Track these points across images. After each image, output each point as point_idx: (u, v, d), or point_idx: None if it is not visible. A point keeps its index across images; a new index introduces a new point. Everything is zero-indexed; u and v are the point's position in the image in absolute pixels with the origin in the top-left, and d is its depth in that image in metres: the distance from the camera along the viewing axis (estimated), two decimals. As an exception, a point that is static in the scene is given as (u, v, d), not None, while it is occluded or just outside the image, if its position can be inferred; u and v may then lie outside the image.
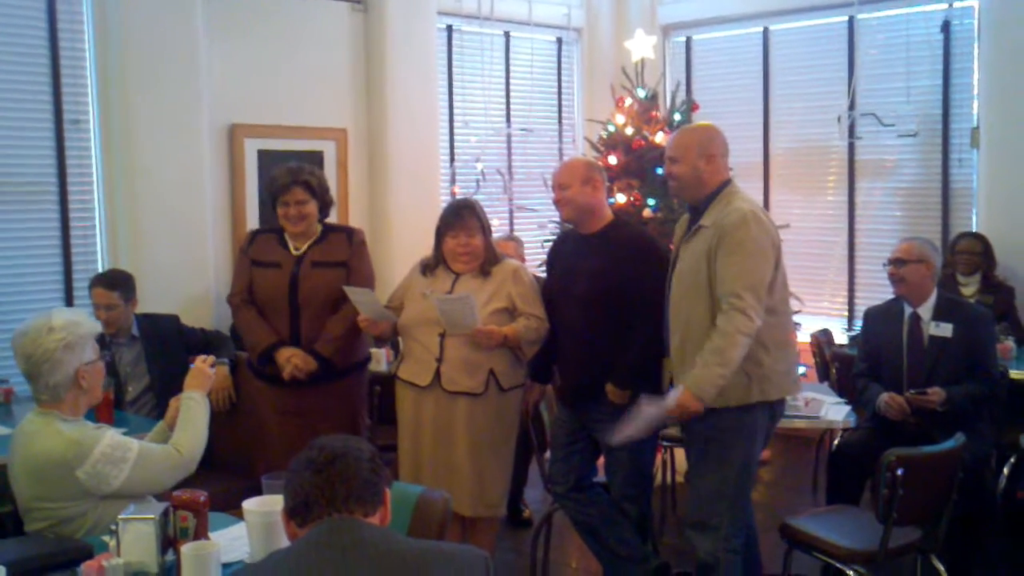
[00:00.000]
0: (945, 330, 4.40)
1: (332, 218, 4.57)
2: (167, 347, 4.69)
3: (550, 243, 4.88)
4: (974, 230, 6.15)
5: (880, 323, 4.64)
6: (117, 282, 4.65)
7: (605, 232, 4.01)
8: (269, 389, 4.30)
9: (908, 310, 4.52)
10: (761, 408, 3.60)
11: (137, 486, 2.80)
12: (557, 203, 4.08)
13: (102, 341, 3.09)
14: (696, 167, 3.65)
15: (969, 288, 5.72)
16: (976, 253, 5.76)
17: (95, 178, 5.32)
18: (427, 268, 4.21)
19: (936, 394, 4.27)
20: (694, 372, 3.48)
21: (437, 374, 4.03)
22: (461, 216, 4.10)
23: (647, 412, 3.55)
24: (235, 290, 4.38)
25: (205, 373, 3.18)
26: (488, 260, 4.11)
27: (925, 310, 4.48)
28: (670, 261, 3.82)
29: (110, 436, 2.85)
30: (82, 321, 2.96)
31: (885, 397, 4.38)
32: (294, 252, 4.28)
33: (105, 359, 3.11)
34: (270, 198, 4.32)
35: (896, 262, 4.49)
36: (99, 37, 5.24)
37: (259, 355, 4.25)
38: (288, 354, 4.18)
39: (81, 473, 2.77)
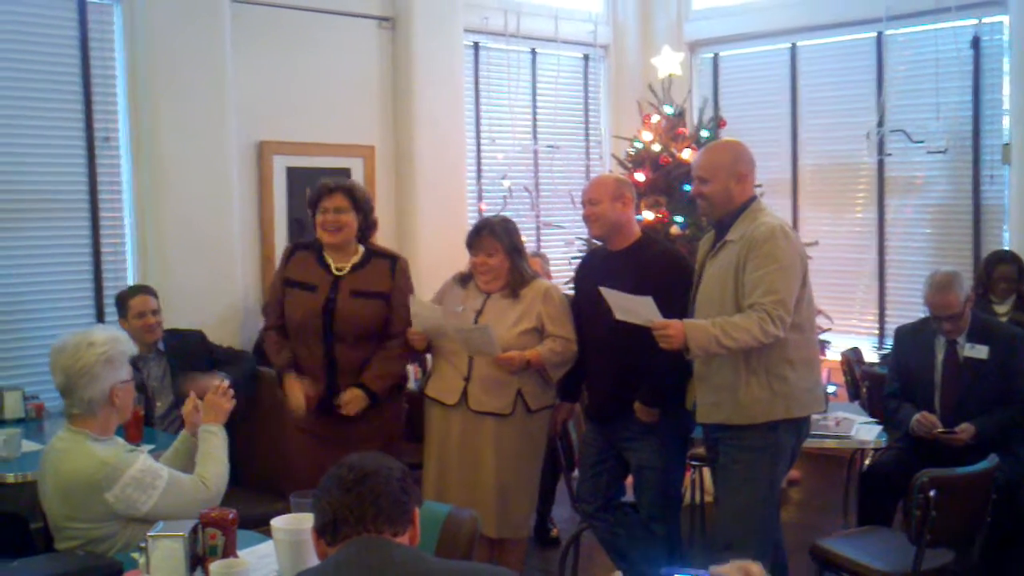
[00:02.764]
0: (981, 352, 4.35)
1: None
2: (193, 363, 4.70)
3: (577, 260, 4.87)
4: (1006, 247, 6.08)
5: (912, 342, 4.59)
6: (152, 290, 4.74)
7: (633, 249, 4.00)
8: (303, 419, 4.10)
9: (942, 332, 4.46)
10: (786, 426, 3.58)
11: (164, 514, 2.78)
12: (586, 219, 4.07)
13: (133, 362, 3.10)
14: (727, 187, 3.63)
15: (1003, 307, 5.65)
16: (1013, 279, 5.67)
17: (125, 194, 5.37)
18: (464, 280, 4.22)
19: (965, 431, 4.21)
20: (701, 322, 3.46)
21: (464, 393, 4.02)
22: (479, 235, 4.11)
23: (642, 304, 3.47)
24: (266, 316, 4.28)
25: (218, 405, 3.13)
26: (516, 281, 4.09)
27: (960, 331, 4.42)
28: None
29: (142, 461, 2.85)
30: (122, 338, 2.98)
31: (918, 416, 4.32)
32: (335, 271, 4.07)
33: (136, 380, 3.13)
34: (311, 207, 4.11)
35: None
36: (129, 55, 5.29)
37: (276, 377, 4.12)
38: (293, 386, 4.00)
39: (110, 496, 2.77)
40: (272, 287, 4.31)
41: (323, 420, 4.05)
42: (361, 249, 4.14)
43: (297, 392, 4.02)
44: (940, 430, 4.25)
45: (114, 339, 2.94)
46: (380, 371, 4.04)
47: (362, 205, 4.10)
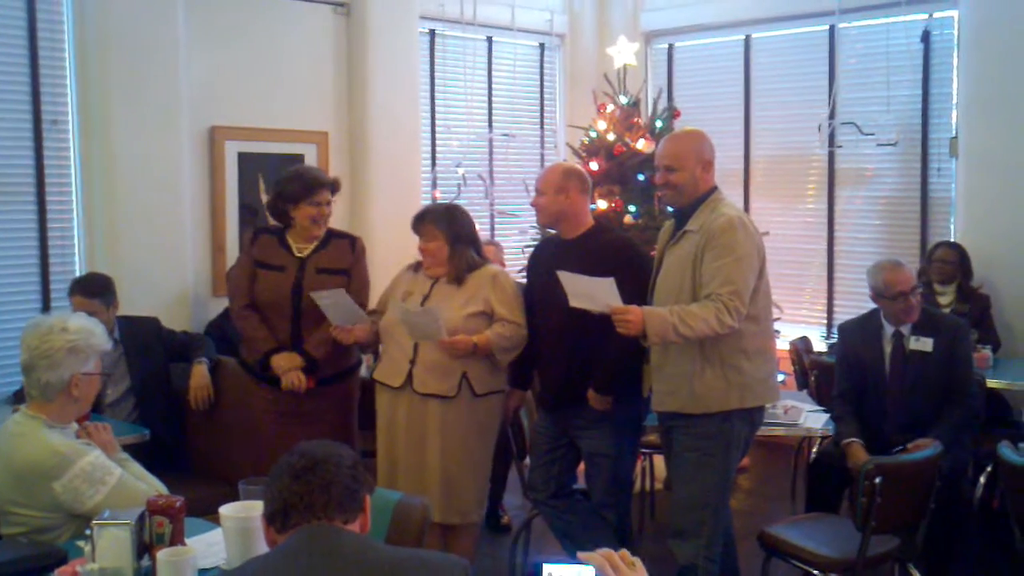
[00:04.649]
0: (926, 344, 4.40)
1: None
2: (148, 350, 4.67)
3: (531, 248, 4.88)
4: (952, 239, 6.18)
5: (860, 337, 4.58)
6: (96, 289, 4.58)
7: (585, 237, 4.01)
8: (267, 392, 4.23)
9: (890, 326, 4.50)
10: (740, 415, 3.61)
11: None
12: (533, 207, 4.12)
13: None
14: (695, 175, 3.66)
15: (946, 297, 5.75)
16: (951, 262, 5.77)
17: (73, 179, 5.28)
18: (417, 267, 4.24)
19: (925, 445, 4.21)
20: (659, 310, 3.48)
21: (409, 376, 4.02)
22: (421, 221, 4.16)
23: (601, 287, 3.48)
24: (238, 295, 4.30)
25: (106, 442, 2.99)
26: (459, 268, 4.09)
27: (906, 324, 4.47)
28: (652, 266, 3.83)
29: (95, 456, 2.81)
30: (97, 332, 2.93)
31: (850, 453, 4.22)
32: (297, 254, 4.24)
33: (104, 375, 3.08)
34: (292, 195, 4.19)
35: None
36: (79, 37, 5.20)
37: (259, 360, 4.22)
38: (281, 361, 4.15)
39: (58, 486, 2.74)
40: (240, 267, 4.39)
41: (281, 395, 4.18)
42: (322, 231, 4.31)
43: (292, 365, 4.14)
44: (899, 449, 4.16)
45: (88, 331, 2.90)
46: (319, 337, 4.15)
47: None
